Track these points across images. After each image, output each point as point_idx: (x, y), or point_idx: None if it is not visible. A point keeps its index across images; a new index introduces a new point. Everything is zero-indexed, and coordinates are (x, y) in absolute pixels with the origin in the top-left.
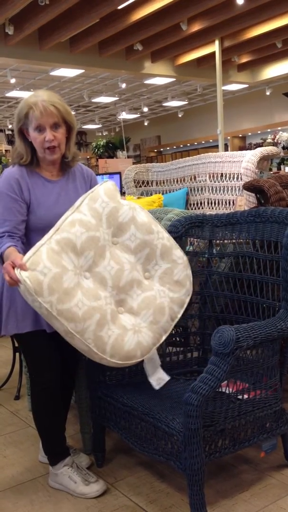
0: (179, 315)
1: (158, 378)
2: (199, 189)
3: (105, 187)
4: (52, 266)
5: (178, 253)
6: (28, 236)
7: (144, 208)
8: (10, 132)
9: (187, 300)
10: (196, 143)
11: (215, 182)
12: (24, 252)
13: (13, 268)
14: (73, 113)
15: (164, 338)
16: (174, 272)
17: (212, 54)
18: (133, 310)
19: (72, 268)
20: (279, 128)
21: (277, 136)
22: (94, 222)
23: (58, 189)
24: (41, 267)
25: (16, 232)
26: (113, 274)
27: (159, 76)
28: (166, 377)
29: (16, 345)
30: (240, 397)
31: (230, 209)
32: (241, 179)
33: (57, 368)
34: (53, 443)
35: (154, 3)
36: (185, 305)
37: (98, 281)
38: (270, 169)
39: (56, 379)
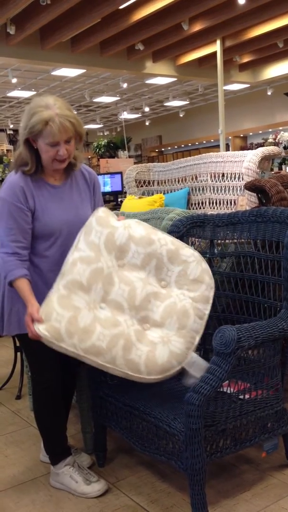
0: (207, 311)
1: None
2: (201, 189)
3: (97, 217)
4: (64, 312)
5: (186, 252)
6: (34, 244)
7: (143, 218)
8: (11, 132)
9: (211, 294)
10: (197, 143)
11: (216, 182)
12: (31, 261)
13: (32, 321)
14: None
15: (198, 339)
16: (188, 272)
17: (214, 54)
18: (157, 323)
19: (85, 305)
20: (281, 128)
21: (279, 136)
22: (93, 254)
23: (62, 195)
24: (54, 315)
25: (23, 244)
26: (126, 296)
27: (160, 76)
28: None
29: (18, 344)
30: (241, 397)
31: (231, 209)
32: (242, 179)
33: (58, 368)
34: (54, 443)
35: (155, 3)
36: (211, 300)
37: (114, 307)
38: (272, 169)
39: (57, 379)
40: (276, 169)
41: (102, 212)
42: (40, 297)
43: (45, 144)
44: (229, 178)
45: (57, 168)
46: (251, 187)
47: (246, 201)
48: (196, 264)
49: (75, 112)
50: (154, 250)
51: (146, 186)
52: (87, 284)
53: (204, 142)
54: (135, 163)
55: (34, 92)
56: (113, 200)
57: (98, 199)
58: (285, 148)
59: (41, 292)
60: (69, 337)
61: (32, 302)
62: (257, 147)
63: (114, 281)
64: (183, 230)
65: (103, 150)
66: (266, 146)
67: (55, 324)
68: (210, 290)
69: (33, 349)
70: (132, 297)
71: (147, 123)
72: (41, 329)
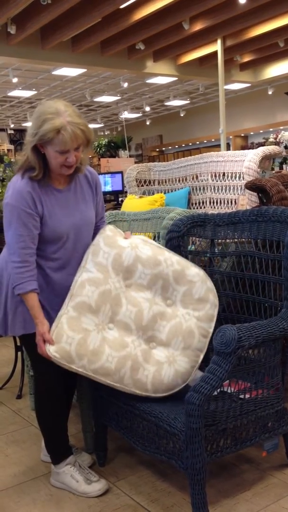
0: (211, 330)
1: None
2: (201, 188)
3: (104, 237)
4: (74, 334)
5: (191, 272)
6: (42, 247)
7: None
8: (12, 132)
9: (215, 312)
10: (198, 143)
11: (217, 181)
12: (36, 262)
13: (43, 341)
14: None
15: (201, 357)
16: (193, 292)
17: (214, 53)
18: (163, 342)
19: (94, 327)
20: (281, 128)
21: (279, 135)
22: (101, 276)
23: (67, 198)
24: (65, 338)
25: (32, 250)
26: (133, 317)
27: (161, 75)
28: None
29: (18, 344)
30: (242, 396)
31: (232, 208)
32: (243, 178)
33: (61, 368)
34: (56, 442)
35: (156, 2)
36: (215, 318)
37: (122, 328)
38: (272, 168)
39: (60, 379)
40: (277, 169)
41: (110, 231)
42: (43, 299)
43: (55, 151)
44: (229, 178)
45: (65, 173)
46: (251, 186)
47: (246, 201)
48: (201, 284)
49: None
50: (161, 271)
51: (147, 185)
52: (95, 306)
53: (205, 141)
54: (135, 162)
55: (35, 92)
56: (114, 200)
57: (100, 200)
58: (286, 147)
59: (46, 295)
60: (79, 359)
61: (42, 320)
62: (258, 147)
63: (122, 302)
64: (184, 230)
65: (103, 150)
66: (267, 145)
67: (65, 347)
68: (215, 308)
69: (37, 350)
70: (139, 318)
71: (147, 123)
72: (51, 351)
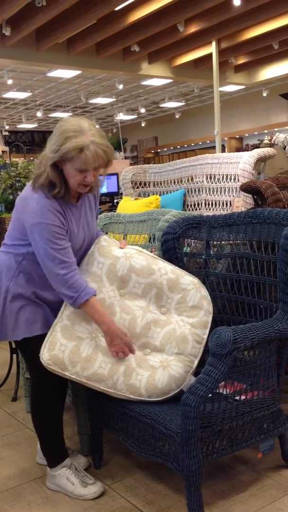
0: (205, 336)
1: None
2: (196, 190)
3: (98, 247)
4: (68, 342)
5: (185, 280)
6: None
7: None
8: (7, 133)
9: (209, 319)
10: (193, 144)
11: (212, 183)
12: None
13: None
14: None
15: (196, 362)
16: (187, 300)
17: (209, 55)
18: (157, 348)
19: (87, 335)
20: (276, 129)
21: (274, 137)
22: (96, 286)
23: (79, 212)
24: (58, 346)
25: (74, 259)
26: (127, 325)
27: (156, 77)
28: None
29: (14, 346)
30: (237, 398)
31: (227, 210)
32: (238, 180)
33: None
34: (52, 445)
35: (151, 4)
36: (209, 325)
37: None
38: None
39: (57, 382)
40: None
41: (104, 241)
42: (48, 301)
43: (74, 169)
44: (225, 180)
45: (81, 191)
46: (246, 188)
47: (241, 203)
48: (195, 291)
49: (70, 113)
50: (155, 280)
51: (142, 187)
52: None
53: (200, 143)
54: (131, 164)
55: (30, 93)
56: (109, 201)
57: (97, 208)
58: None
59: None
60: (73, 366)
61: (116, 327)
62: (252, 148)
63: (116, 311)
64: (179, 232)
65: None
66: (262, 147)
67: (58, 354)
68: (209, 315)
69: (37, 354)
70: (133, 326)
71: (143, 124)
72: (45, 359)
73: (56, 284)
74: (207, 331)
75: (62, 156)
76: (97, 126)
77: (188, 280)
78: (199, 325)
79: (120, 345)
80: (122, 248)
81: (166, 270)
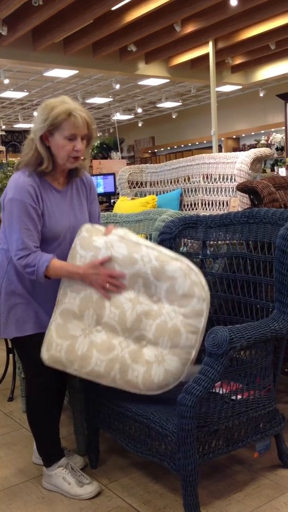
0: (201, 325)
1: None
2: (193, 190)
3: (80, 239)
4: (62, 341)
5: (171, 267)
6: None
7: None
8: (3, 133)
9: (204, 306)
10: (190, 144)
11: (209, 183)
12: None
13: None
14: None
15: (194, 353)
16: (176, 288)
17: (206, 56)
18: (152, 341)
19: (80, 332)
20: (273, 130)
21: (271, 137)
22: (80, 282)
23: (64, 199)
24: (54, 346)
25: (38, 244)
26: (117, 319)
27: (153, 77)
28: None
29: (10, 346)
30: (233, 397)
31: (223, 210)
32: (234, 180)
33: (54, 370)
34: (48, 445)
35: (148, 4)
36: (205, 312)
37: (109, 330)
38: (264, 171)
39: (52, 381)
40: (268, 171)
41: (86, 231)
42: (36, 302)
43: (63, 137)
44: (221, 180)
45: (70, 166)
46: (243, 188)
47: (238, 203)
48: (184, 278)
49: None
50: (138, 270)
51: (139, 187)
52: (79, 312)
53: (197, 143)
54: (128, 164)
55: (27, 93)
56: (106, 201)
57: (94, 198)
58: (277, 149)
59: (39, 299)
60: (71, 365)
61: (76, 267)
62: (249, 149)
63: (105, 305)
64: (176, 231)
65: (96, 151)
66: (259, 147)
67: (56, 354)
68: (202, 302)
69: (32, 351)
70: (123, 320)
71: (139, 124)
72: (45, 360)
73: (16, 262)
74: (203, 319)
75: (51, 124)
76: (94, 126)
77: (175, 267)
78: (192, 314)
79: (99, 278)
80: (107, 234)
81: (150, 257)
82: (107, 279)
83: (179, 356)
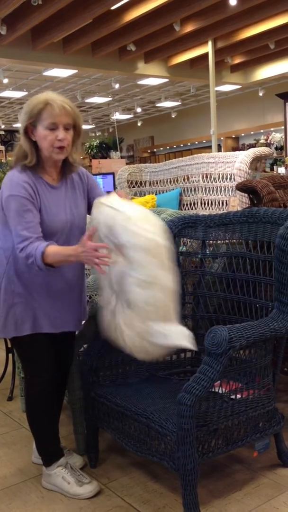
0: (144, 277)
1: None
2: (192, 189)
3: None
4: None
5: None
6: None
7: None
8: (3, 133)
9: (137, 254)
10: (189, 144)
11: (208, 182)
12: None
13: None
14: None
15: (148, 308)
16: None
17: (205, 55)
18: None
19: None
20: (272, 129)
21: (270, 137)
22: (105, 251)
23: (59, 195)
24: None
25: (41, 235)
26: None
27: (152, 76)
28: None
29: (9, 346)
30: (233, 397)
31: (223, 210)
32: (234, 179)
33: (54, 369)
34: (47, 444)
35: (147, 3)
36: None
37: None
38: (264, 170)
39: (51, 380)
40: (267, 170)
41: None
42: (39, 299)
43: (44, 128)
44: (221, 179)
45: (56, 158)
46: (242, 187)
47: (237, 202)
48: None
49: None
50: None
51: (138, 186)
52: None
53: (196, 143)
54: (127, 163)
55: (26, 93)
56: None
57: (94, 188)
58: (276, 149)
59: (36, 296)
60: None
61: (72, 249)
62: (248, 148)
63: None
64: (175, 231)
65: (95, 151)
66: (258, 147)
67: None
68: (135, 250)
69: (30, 351)
70: (112, 283)
71: (139, 124)
72: None
73: (19, 256)
74: (143, 271)
75: (31, 116)
76: (93, 125)
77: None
78: (134, 265)
79: (89, 254)
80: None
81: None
82: (94, 254)
83: (139, 315)
